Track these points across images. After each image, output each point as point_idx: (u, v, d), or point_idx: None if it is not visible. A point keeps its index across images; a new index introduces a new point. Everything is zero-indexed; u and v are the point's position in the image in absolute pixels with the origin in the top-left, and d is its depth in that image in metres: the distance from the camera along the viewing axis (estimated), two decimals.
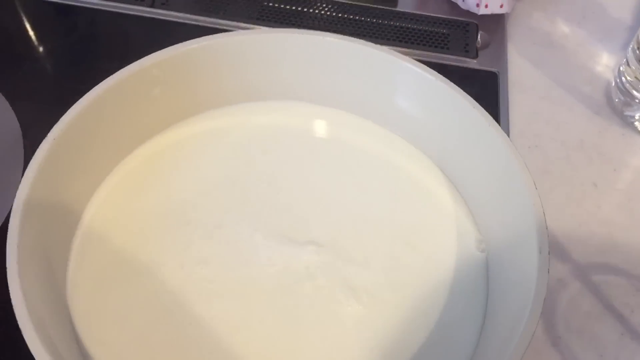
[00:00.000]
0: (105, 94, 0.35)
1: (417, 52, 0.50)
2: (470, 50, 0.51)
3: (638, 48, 0.46)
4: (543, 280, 0.29)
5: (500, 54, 0.51)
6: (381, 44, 0.38)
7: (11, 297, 0.27)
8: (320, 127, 0.41)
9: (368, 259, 0.35)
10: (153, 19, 0.51)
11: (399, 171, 0.39)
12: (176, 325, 0.32)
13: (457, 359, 0.32)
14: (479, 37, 0.52)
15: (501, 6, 0.52)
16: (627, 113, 0.48)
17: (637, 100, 0.47)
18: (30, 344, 0.26)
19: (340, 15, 0.53)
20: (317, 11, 0.53)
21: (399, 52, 0.37)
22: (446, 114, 0.37)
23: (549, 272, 0.29)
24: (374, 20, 0.52)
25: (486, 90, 0.49)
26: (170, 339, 0.32)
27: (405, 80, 0.38)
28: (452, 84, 0.36)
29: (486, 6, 0.51)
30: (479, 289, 0.35)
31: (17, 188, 0.31)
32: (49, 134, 0.32)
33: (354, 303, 0.33)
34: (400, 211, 0.37)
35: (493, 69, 0.50)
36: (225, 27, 0.51)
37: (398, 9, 0.54)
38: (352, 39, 0.38)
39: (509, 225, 0.34)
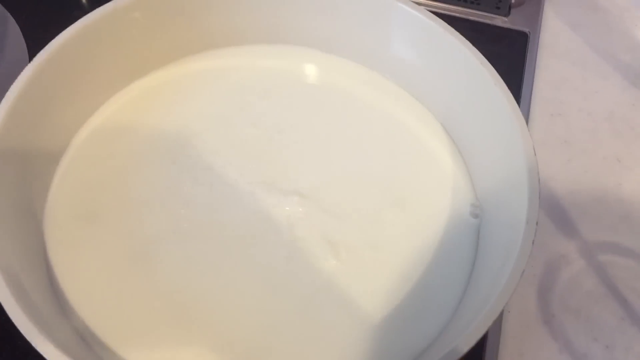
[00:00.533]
0: (102, 20, 0.34)
1: (444, 5, 0.47)
2: (502, 7, 0.48)
3: None
4: (527, 244, 0.27)
5: (535, 14, 0.48)
6: None
7: None
8: (317, 73, 0.39)
9: (352, 214, 0.33)
10: None
11: (398, 125, 0.37)
12: (149, 264, 0.32)
13: (433, 325, 0.31)
14: None
15: None
16: None
17: None
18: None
19: None
20: None
21: (424, 3, 0.34)
22: (452, 69, 0.34)
23: (535, 234, 0.27)
24: None
25: (514, 51, 0.46)
26: (142, 276, 0.31)
27: (402, 24, 0.35)
28: (457, 34, 0.33)
29: None
30: (466, 256, 0.33)
31: None
32: (34, 59, 0.32)
33: (331, 258, 0.32)
34: (394, 167, 0.35)
35: (524, 29, 0.47)
36: None
37: None
38: None
39: (505, 193, 0.32)
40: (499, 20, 0.47)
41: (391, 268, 0.32)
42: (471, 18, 0.47)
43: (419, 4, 0.34)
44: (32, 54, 0.43)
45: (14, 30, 0.45)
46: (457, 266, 0.32)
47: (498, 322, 0.34)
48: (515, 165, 0.30)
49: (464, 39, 0.33)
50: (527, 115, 0.42)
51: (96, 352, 0.29)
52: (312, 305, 0.31)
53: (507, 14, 0.47)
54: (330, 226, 0.33)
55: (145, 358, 0.29)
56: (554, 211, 0.38)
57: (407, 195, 0.34)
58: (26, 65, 0.42)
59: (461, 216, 0.34)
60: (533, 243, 0.27)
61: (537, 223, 0.28)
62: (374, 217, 0.33)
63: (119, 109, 0.37)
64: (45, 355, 0.24)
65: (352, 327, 0.31)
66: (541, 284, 0.34)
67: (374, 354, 0.30)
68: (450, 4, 0.48)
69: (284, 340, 0.30)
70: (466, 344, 0.26)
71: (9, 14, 0.45)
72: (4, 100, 0.30)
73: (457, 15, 0.47)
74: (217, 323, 0.30)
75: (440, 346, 0.29)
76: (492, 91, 0.32)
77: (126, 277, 0.31)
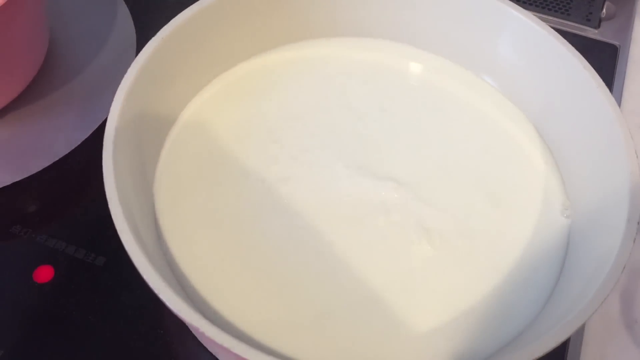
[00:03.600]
0: (216, 5, 0.36)
1: (535, 13, 0.48)
2: (593, 20, 0.48)
3: None
4: (626, 249, 0.28)
5: (625, 28, 0.48)
6: None
7: (105, 187, 0.29)
8: (416, 70, 0.40)
9: (446, 204, 0.34)
10: None
11: (492, 124, 0.38)
12: (248, 233, 0.33)
13: (519, 320, 0.32)
14: (604, 6, 0.49)
15: None
16: None
17: None
18: (120, 232, 0.27)
19: None
20: None
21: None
22: (551, 70, 0.35)
23: (634, 242, 0.28)
24: None
25: (603, 64, 0.46)
26: (241, 244, 0.33)
27: (511, 30, 0.36)
28: (560, 37, 0.34)
29: None
30: (555, 254, 0.33)
31: None
32: (149, 42, 0.34)
33: (425, 244, 0.33)
34: (487, 163, 0.36)
35: (614, 42, 0.47)
36: None
37: None
38: None
39: (601, 194, 0.32)
40: (589, 32, 0.48)
41: (482, 259, 0.33)
42: (561, 28, 0.48)
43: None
44: (140, 36, 0.45)
45: (123, 12, 0.47)
46: (547, 264, 0.33)
47: (581, 329, 0.35)
48: (615, 167, 0.31)
49: (569, 44, 0.34)
50: None
51: (192, 300, 0.31)
52: (403, 286, 0.32)
53: (597, 26, 0.48)
54: (425, 213, 0.34)
55: (235, 311, 0.31)
56: None
57: (500, 192, 0.35)
58: (134, 47, 0.45)
59: (552, 216, 0.34)
60: (634, 242, 0.28)
61: (638, 223, 0.28)
62: (467, 209, 0.34)
63: (222, 89, 0.39)
64: (168, 303, 0.25)
65: (440, 312, 0.31)
66: (624, 289, 0.34)
67: (456, 341, 0.31)
68: (540, 12, 0.48)
69: (372, 318, 0.31)
70: (555, 339, 0.26)
71: None
72: (126, 75, 0.32)
73: (548, 24, 0.47)
74: (309, 294, 0.31)
75: (525, 340, 0.30)
76: (594, 94, 0.33)
77: (223, 238, 0.33)
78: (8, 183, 0.38)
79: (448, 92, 0.39)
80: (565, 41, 0.34)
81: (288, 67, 0.40)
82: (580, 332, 0.35)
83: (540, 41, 0.35)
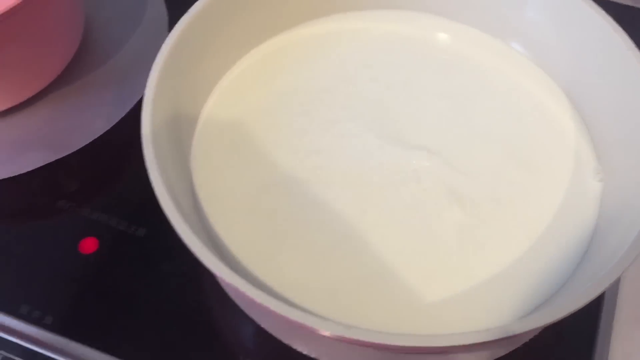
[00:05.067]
0: None
1: None
2: None
3: None
4: None
5: None
6: None
7: (145, 158, 0.30)
8: (444, 40, 0.41)
9: (477, 171, 0.35)
10: None
11: (521, 91, 0.38)
12: (282, 203, 0.34)
13: (551, 283, 0.32)
14: None
15: None
16: None
17: None
18: (161, 199, 0.29)
19: None
20: None
21: None
22: (580, 34, 0.35)
23: None
24: None
25: (635, 30, 0.46)
26: (276, 213, 0.34)
27: None
28: (593, 3, 0.34)
29: None
30: (587, 218, 0.34)
31: None
32: (181, 19, 0.35)
33: (457, 210, 0.34)
34: (517, 130, 0.36)
35: None
36: None
37: None
38: None
39: (633, 157, 0.32)
40: None
41: (513, 223, 0.33)
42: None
43: None
44: (172, 16, 0.47)
45: None
46: (578, 228, 0.33)
47: (615, 286, 0.35)
48: None
49: (598, 7, 0.34)
50: None
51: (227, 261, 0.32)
52: (435, 251, 0.33)
53: None
54: (456, 180, 0.34)
55: (270, 275, 0.31)
56: None
57: (531, 158, 0.35)
58: (166, 27, 0.46)
59: (584, 180, 0.35)
60: None
61: None
62: (498, 175, 0.35)
63: (252, 65, 0.40)
64: (203, 260, 0.27)
65: (471, 277, 0.32)
66: None
67: (488, 305, 0.31)
68: None
69: (405, 282, 0.32)
70: (584, 298, 0.26)
71: None
72: (160, 51, 0.33)
73: None
74: (342, 260, 0.32)
75: (558, 301, 0.30)
76: (626, 58, 0.33)
77: (257, 208, 0.34)
78: (51, 160, 0.40)
79: (476, 61, 0.39)
80: (594, 3, 0.34)
81: (316, 41, 0.41)
82: (614, 291, 0.35)
83: (569, 5, 0.35)
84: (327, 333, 0.24)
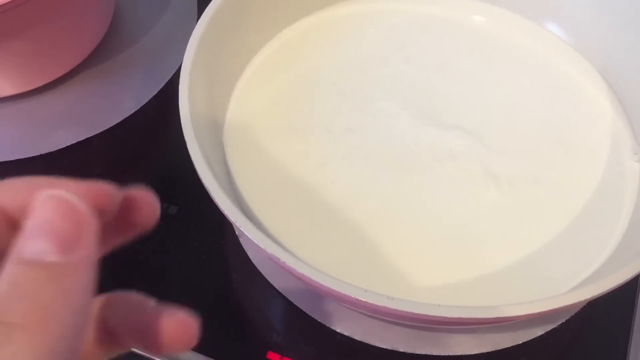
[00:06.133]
0: None
1: None
2: None
3: None
4: None
5: None
6: None
7: (183, 129, 0.30)
8: (478, 22, 0.40)
9: (514, 150, 0.35)
10: None
11: (556, 72, 0.38)
12: (316, 181, 0.34)
13: (587, 261, 0.31)
14: None
15: None
16: None
17: None
18: (198, 167, 0.29)
19: None
20: None
21: None
22: (616, 14, 0.35)
23: None
24: None
25: None
26: (310, 190, 0.34)
27: None
28: None
29: None
30: (625, 200, 0.33)
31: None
32: None
33: (493, 189, 0.33)
34: (553, 111, 0.36)
35: None
36: None
37: None
38: None
39: None
40: None
41: (550, 204, 0.33)
42: None
43: None
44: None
45: None
46: (616, 208, 0.33)
47: None
48: None
49: None
50: None
51: None
52: (471, 230, 0.32)
53: None
54: (492, 160, 0.34)
55: (303, 251, 0.31)
56: None
57: (567, 138, 0.35)
58: (195, 8, 0.46)
59: (622, 160, 0.34)
60: None
61: None
62: (534, 155, 0.34)
63: (285, 44, 0.39)
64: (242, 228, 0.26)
65: (508, 254, 0.32)
66: None
67: (521, 283, 0.31)
68: None
69: (439, 260, 0.32)
70: (627, 273, 0.26)
71: None
72: (196, 27, 0.33)
73: None
74: (375, 238, 0.32)
75: (595, 277, 0.30)
76: None
77: (290, 184, 0.34)
78: (82, 138, 0.40)
79: (512, 43, 0.39)
80: None
81: (351, 22, 0.40)
82: None
83: None
84: (377, 303, 0.24)
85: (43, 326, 0.13)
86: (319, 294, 0.33)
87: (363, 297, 0.24)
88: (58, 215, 0.14)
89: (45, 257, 0.13)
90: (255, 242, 0.26)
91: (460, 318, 0.24)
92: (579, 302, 0.25)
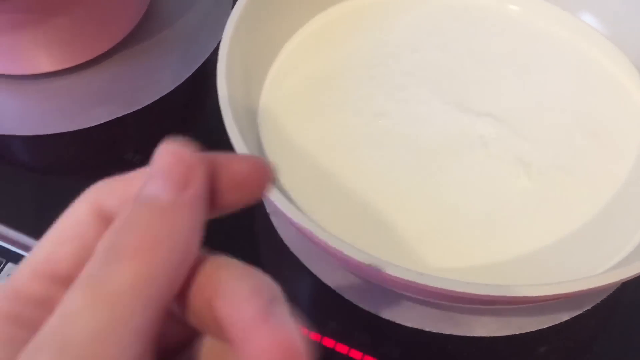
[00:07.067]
0: None
1: None
2: None
3: None
4: None
5: None
6: None
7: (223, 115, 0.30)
8: (515, 11, 0.41)
9: (545, 139, 0.35)
10: None
11: (589, 62, 0.38)
12: (347, 165, 0.34)
13: (610, 251, 0.32)
14: None
15: None
16: None
17: None
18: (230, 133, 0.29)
19: None
20: None
21: None
22: None
23: None
24: None
25: None
26: (342, 173, 0.34)
27: None
28: None
29: None
30: None
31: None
32: None
33: (523, 177, 0.34)
34: (585, 100, 0.36)
35: None
36: None
37: None
38: None
39: None
40: None
41: (579, 193, 0.33)
42: None
43: None
44: None
45: None
46: None
47: None
48: None
49: None
50: None
51: None
52: (501, 216, 0.33)
53: None
54: (522, 148, 0.34)
55: (334, 229, 0.32)
56: None
57: (599, 128, 0.35)
58: None
59: None
60: None
61: None
62: (565, 144, 0.35)
63: (318, 29, 0.40)
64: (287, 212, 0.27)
65: (535, 240, 0.32)
66: None
67: (549, 270, 0.31)
68: None
69: (469, 246, 0.32)
70: None
71: None
72: (234, 9, 0.34)
73: None
74: (405, 222, 0.32)
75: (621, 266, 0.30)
76: None
77: (323, 161, 0.34)
78: (118, 115, 0.41)
79: (546, 32, 0.39)
80: None
81: (383, 8, 0.41)
82: None
83: None
84: (408, 278, 0.25)
85: (148, 255, 0.14)
86: (347, 271, 0.34)
87: (394, 272, 0.25)
88: (172, 162, 0.15)
89: (158, 196, 0.15)
90: (290, 216, 0.27)
91: (488, 295, 0.25)
92: (604, 286, 0.25)
